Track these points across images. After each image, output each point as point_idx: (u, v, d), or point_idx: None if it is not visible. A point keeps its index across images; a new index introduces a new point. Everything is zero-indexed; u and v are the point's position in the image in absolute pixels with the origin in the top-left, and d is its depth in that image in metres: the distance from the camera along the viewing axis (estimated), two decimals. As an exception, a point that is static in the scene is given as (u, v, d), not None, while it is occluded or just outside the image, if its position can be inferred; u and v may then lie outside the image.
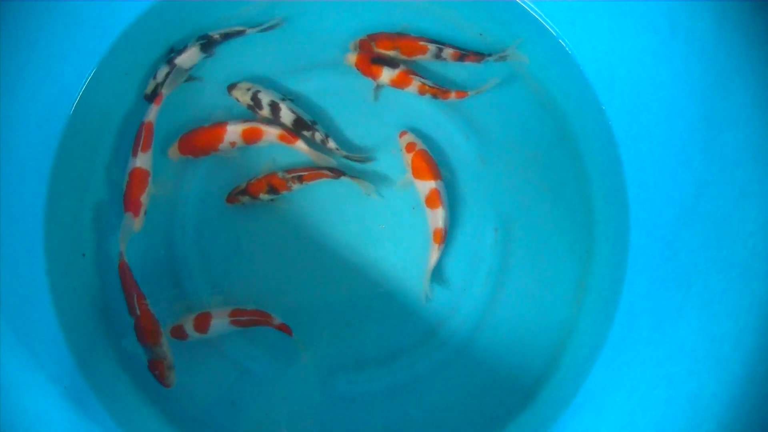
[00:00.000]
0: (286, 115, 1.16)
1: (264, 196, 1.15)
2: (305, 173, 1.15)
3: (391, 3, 1.21)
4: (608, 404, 1.04)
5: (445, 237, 1.14)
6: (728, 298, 0.94)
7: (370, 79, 1.19)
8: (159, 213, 1.16)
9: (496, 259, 1.18)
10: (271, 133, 1.16)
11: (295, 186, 1.15)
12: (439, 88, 1.17)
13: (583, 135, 1.18)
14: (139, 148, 1.13)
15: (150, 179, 1.13)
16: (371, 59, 1.17)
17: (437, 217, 1.14)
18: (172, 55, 1.17)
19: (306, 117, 1.17)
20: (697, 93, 1.02)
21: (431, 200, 1.14)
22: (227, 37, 1.19)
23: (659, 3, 1.04)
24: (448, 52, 1.18)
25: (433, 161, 1.16)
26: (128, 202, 1.12)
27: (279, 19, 1.20)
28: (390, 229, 1.19)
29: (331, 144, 1.16)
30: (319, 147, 1.18)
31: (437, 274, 1.17)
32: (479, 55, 1.18)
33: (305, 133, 1.17)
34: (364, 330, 1.16)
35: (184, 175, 1.19)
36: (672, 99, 1.05)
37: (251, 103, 1.17)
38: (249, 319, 1.11)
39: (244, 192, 1.15)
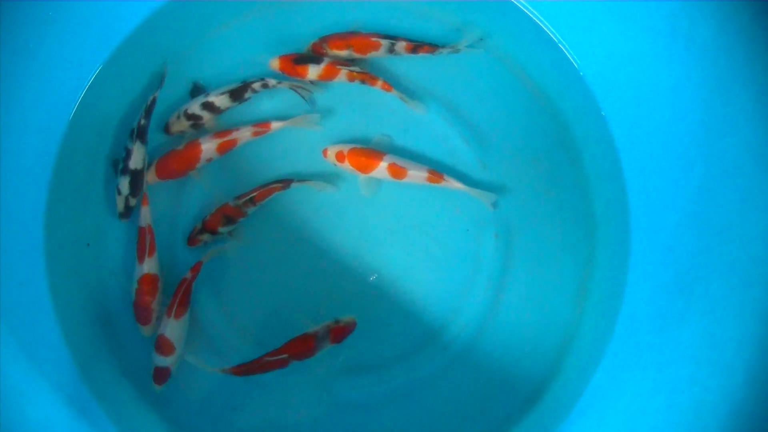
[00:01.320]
0: (220, 100, 1.14)
1: (223, 229, 1.14)
2: (255, 193, 1.14)
3: (387, 4, 1.21)
4: (610, 410, 1.04)
5: (440, 172, 1.14)
6: (730, 303, 0.94)
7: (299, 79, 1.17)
8: (161, 225, 1.15)
9: (497, 263, 1.18)
10: (244, 136, 1.15)
11: (250, 209, 1.14)
12: (366, 74, 1.16)
13: (583, 139, 1.18)
14: (145, 254, 1.10)
15: (160, 283, 1.12)
16: (293, 60, 1.15)
17: (417, 174, 1.14)
18: (121, 165, 1.12)
19: (234, 85, 1.15)
20: (697, 98, 1.02)
21: (397, 173, 1.14)
22: (149, 115, 1.12)
23: (659, 8, 1.04)
24: (401, 45, 1.16)
25: (366, 148, 1.15)
26: (139, 312, 1.11)
27: (166, 68, 1.15)
28: (390, 232, 1.19)
29: (272, 81, 1.14)
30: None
31: (438, 276, 1.18)
32: (433, 47, 1.16)
33: (245, 95, 1.15)
34: (365, 335, 1.16)
35: (184, 183, 1.19)
36: (672, 104, 1.05)
37: (190, 122, 1.15)
38: (179, 295, 1.10)
39: (202, 231, 1.14)
